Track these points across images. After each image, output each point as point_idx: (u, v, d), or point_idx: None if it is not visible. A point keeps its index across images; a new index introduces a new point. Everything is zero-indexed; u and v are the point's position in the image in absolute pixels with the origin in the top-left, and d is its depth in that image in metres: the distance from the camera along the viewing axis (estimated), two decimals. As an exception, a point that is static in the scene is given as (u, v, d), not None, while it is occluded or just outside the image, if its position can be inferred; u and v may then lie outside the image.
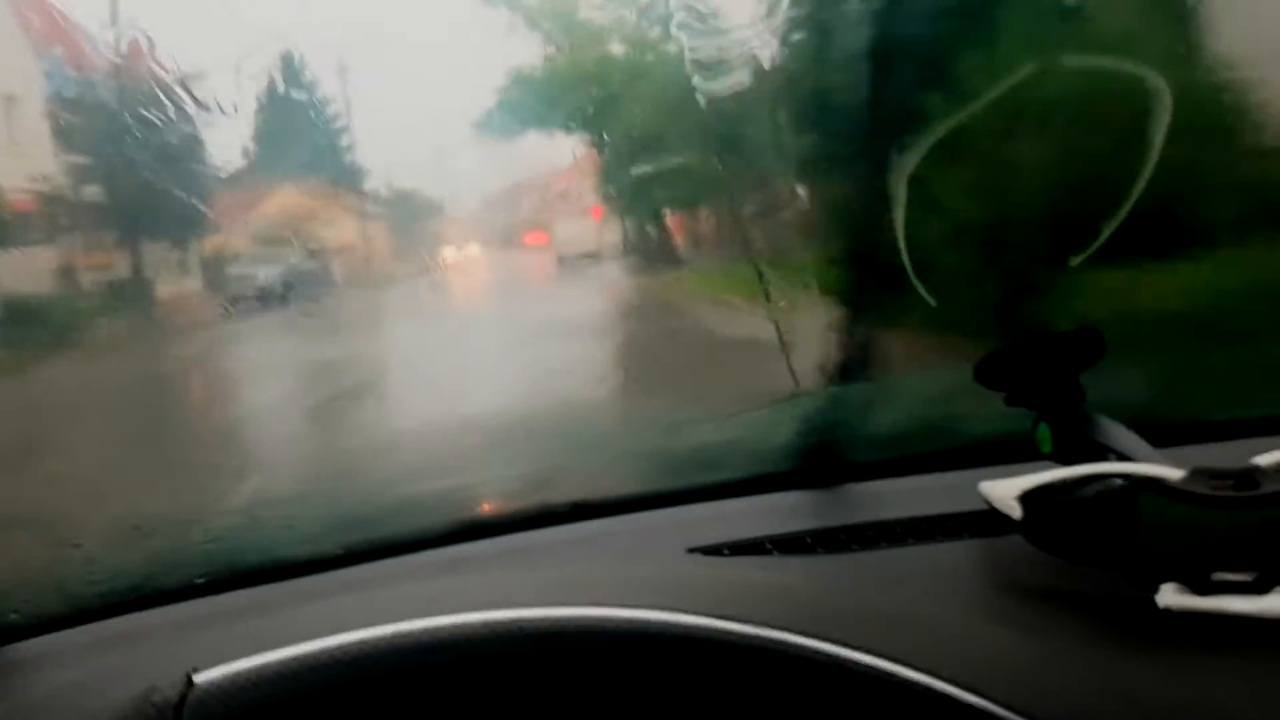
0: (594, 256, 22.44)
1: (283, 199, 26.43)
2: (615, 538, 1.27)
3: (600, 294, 15.40)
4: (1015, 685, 0.78)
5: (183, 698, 0.70)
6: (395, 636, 0.78)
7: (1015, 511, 0.97)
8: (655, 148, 14.38)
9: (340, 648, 0.78)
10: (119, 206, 12.33)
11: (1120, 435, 1.01)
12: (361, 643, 0.77)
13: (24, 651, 1.09)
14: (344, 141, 28.24)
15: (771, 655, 0.73)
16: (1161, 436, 1.02)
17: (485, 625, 0.80)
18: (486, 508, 1.44)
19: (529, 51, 15.92)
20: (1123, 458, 0.97)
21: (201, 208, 21.17)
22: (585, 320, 11.55)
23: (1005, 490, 0.99)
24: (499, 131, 16.32)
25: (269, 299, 16.69)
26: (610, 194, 17.67)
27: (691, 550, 1.14)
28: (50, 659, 1.08)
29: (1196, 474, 0.90)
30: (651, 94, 14.27)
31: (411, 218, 32.08)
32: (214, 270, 18.26)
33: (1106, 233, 1.55)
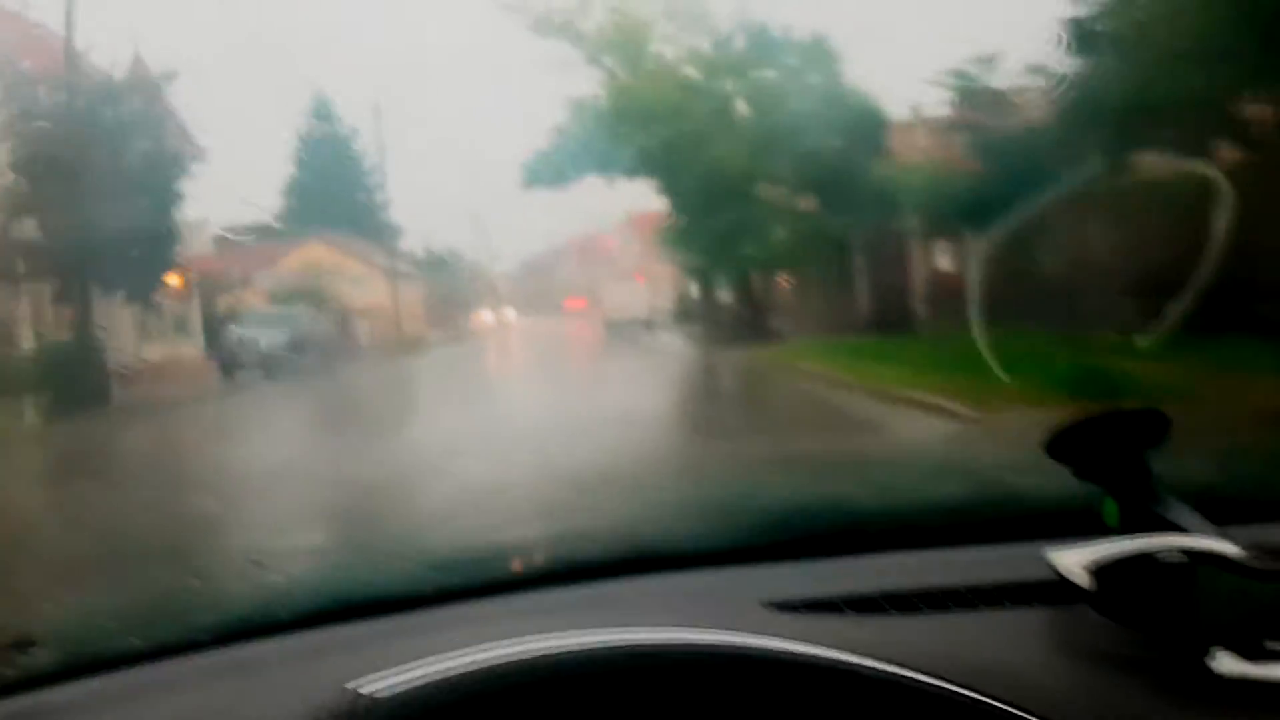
0: (649, 323, 20.18)
1: (307, 253, 24.26)
2: (692, 590, 1.27)
3: (679, 375, 12.36)
4: None
5: (353, 710, 0.71)
6: (548, 652, 0.81)
7: (1085, 581, 1.00)
8: (742, 197, 11.79)
9: (499, 660, 0.80)
10: (119, 256, 9.85)
11: (1182, 512, 1.05)
12: (519, 656, 0.80)
13: (141, 677, 1.13)
14: (377, 191, 26.28)
15: (881, 686, 0.78)
16: (1222, 512, 1.05)
17: (627, 646, 0.84)
18: (561, 557, 1.43)
19: (585, 88, 13.57)
20: (1185, 533, 1.01)
21: (213, 261, 18.96)
22: (655, 407, 8.67)
23: (1074, 560, 1.01)
24: (548, 178, 13.77)
25: (272, 366, 14.37)
26: (680, 250, 14.95)
27: (767, 605, 1.14)
28: (166, 686, 1.11)
29: (1253, 550, 0.96)
30: (743, 135, 11.74)
31: (447, 276, 29.93)
32: (215, 330, 15.88)
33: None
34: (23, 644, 1.18)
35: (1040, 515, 1.29)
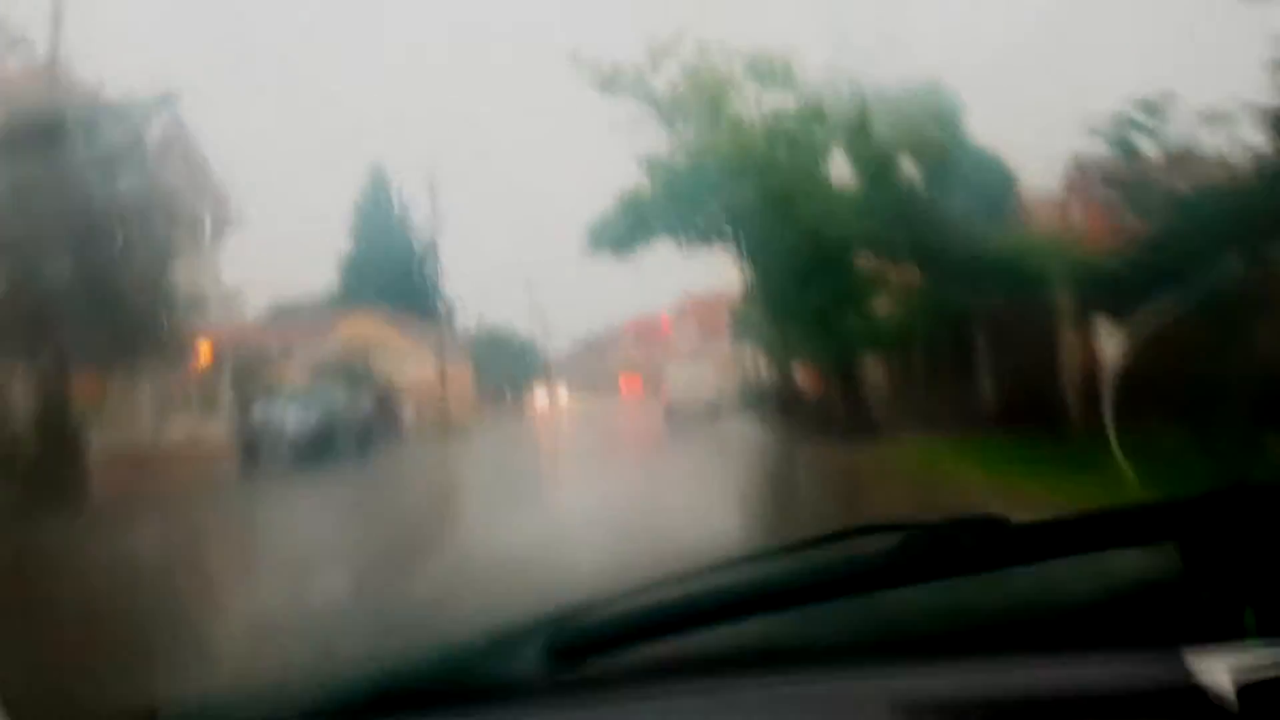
0: (715, 409, 18.45)
1: (354, 325, 22.95)
2: (817, 695, 1.18)
3: (764, 479, 10.00)
4: None
5: None
6: None
7: (1231, 700, 0.92)
8: (839, 265, 10.09)
9: None
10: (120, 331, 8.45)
11: None
12: None
13: None
14: (430, 262, 25.17)
15: None
16: None
17: None
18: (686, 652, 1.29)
19: (658, 146, 12.13)
20: None
21: (250, 331, 17.67)
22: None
23: (1220, 674, 0.94)
24: (613, 242, 12.22)
25: (299, 452, 12.89)
26: (765, 326, 13.17)
27: (895, 710, 1.08)
28: None
29: None
30: (841, 196, 10.10)
31: (499, 353, 28.53)
32: (245, 408, 14.39)
33: None
34: None
35: (1179, 619, 1.20)
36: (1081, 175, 9.03)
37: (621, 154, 15.55)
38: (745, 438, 14.03)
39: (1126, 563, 1.35)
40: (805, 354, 12.35)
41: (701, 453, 12.52)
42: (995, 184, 9.30)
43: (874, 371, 11.50)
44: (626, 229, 11.54)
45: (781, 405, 14.25)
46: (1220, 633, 1.02)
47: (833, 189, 10.16)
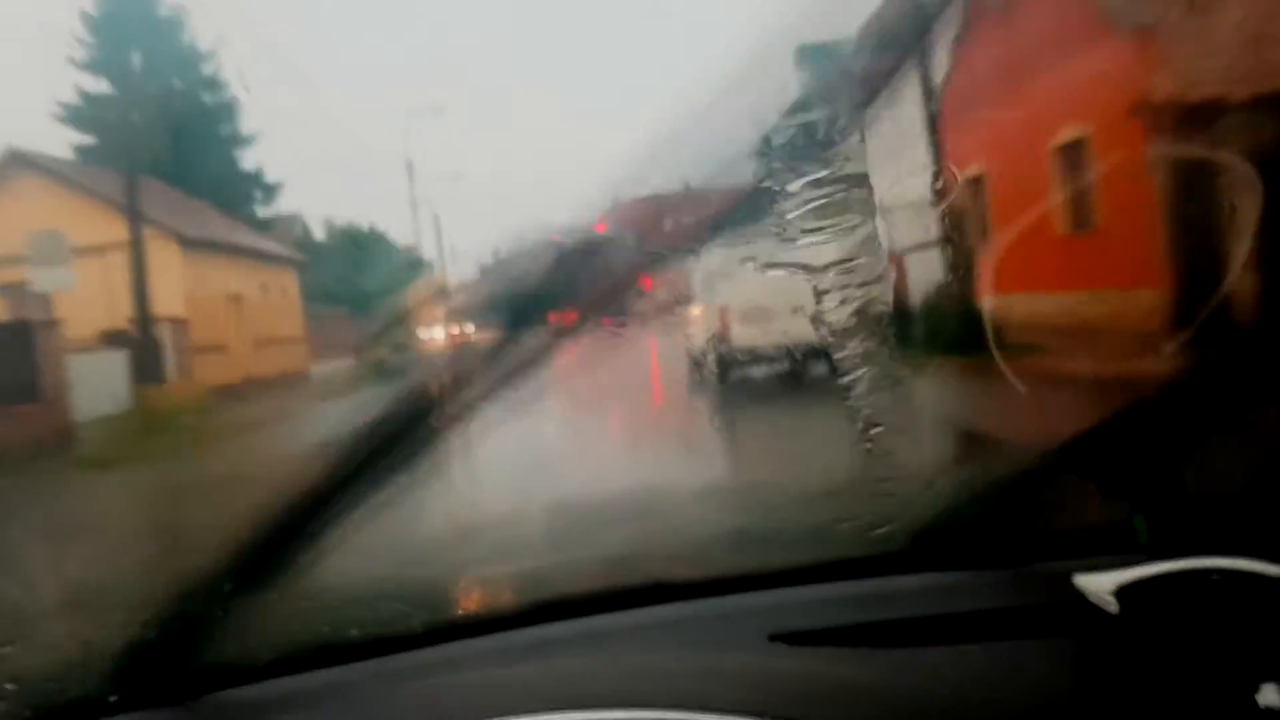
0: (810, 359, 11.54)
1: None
2: (697, 622, 1.23)
3: None
4: None
5: None
6: None
7: (1111, 606, 0.95)
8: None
9: None
10: None
11: (1220, 530, 0.98)
12: None
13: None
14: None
15: None
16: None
17: None
18: (568, 588, 1.37)
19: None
20: (1223, 553, 0.94)
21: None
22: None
23: (1101, 584, 0.96)
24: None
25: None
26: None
27: (773, 638, 1.11)
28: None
29: None
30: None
31: (365, 268, 19.83)
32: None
33: None
34: None
35: (1068, 535, 1.22)
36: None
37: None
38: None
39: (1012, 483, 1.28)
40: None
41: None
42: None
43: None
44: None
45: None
46: (1111, 546, 0.99)
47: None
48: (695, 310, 10.58)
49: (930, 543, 1.28)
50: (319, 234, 21.03)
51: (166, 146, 14.58)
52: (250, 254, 16.03)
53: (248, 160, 17.53)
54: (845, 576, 1.25)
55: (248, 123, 18.21)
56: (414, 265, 21.54)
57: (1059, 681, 0.99)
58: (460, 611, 1.33)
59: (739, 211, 1.14)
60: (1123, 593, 0.94)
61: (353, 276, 18.80)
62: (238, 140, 17.57)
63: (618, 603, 1.24)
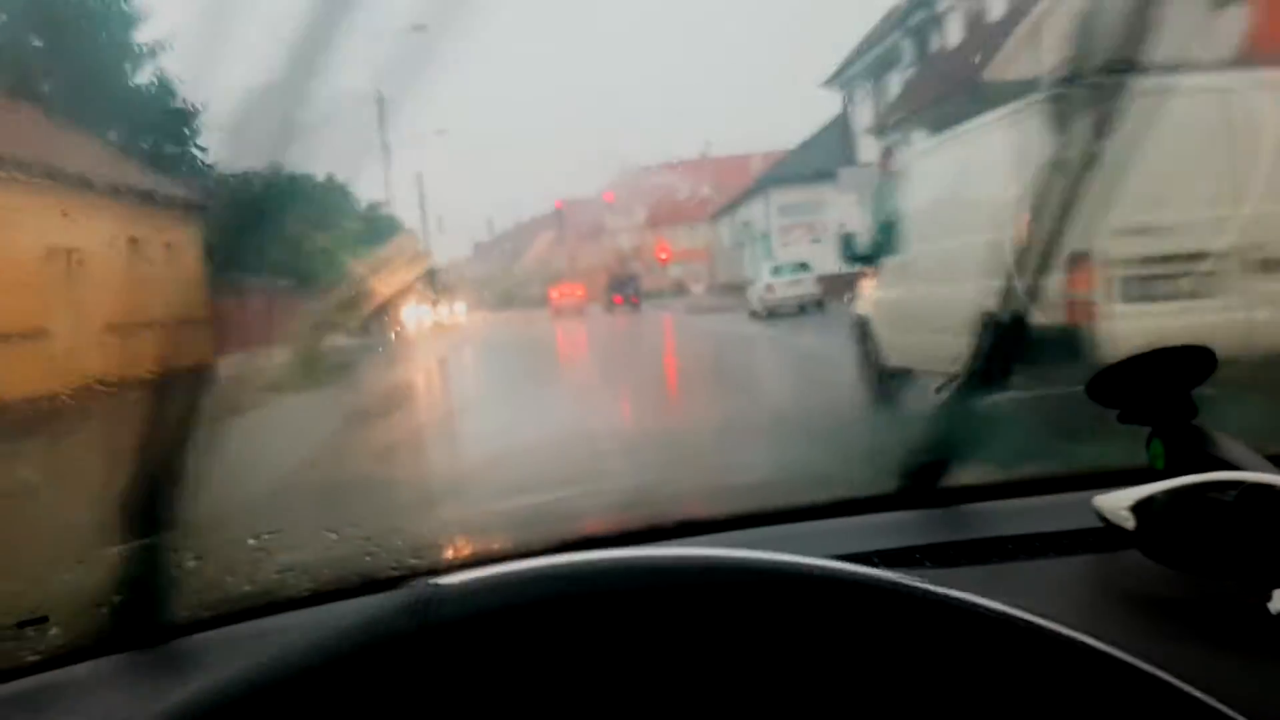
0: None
1: None
2: (752, 541, 1.25)
3: None
4: None
5: (428, 599, 0.70)
6: (638, 559, 0.76)
7: (1128, 523, 0.99)
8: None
9: (574, 564, 0.75)
10: None
11: (1233, 448, 1.04)
12: (598, 562, 0.75)
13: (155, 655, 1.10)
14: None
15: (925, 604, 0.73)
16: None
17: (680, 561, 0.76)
18: (593, 524, 1.46)
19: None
20: (1236, 469, 0.99)
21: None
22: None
23: (1117, 502, 1.01)
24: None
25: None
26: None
27: (830, 558, 1.01)
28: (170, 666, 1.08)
29: None
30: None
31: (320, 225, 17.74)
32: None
33: None
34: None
35: (1092, 470, 1.29)
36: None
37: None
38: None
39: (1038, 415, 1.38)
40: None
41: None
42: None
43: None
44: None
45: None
46: (1127, 480, 1.03)
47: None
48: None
49: (954, 478, 1.34)
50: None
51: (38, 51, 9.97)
52: (109, 191, 9.27)
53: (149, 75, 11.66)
54: (868, 510, 1.32)
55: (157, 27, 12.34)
56: (379, 227, 18.74)
57: (1077, 596, 1.04)
58: (485, 548, 1.35)
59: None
60: (1139, 508, 0.98)
61: (297, 238, 15.63)
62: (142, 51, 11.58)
63: (642, 538, 1.26)
